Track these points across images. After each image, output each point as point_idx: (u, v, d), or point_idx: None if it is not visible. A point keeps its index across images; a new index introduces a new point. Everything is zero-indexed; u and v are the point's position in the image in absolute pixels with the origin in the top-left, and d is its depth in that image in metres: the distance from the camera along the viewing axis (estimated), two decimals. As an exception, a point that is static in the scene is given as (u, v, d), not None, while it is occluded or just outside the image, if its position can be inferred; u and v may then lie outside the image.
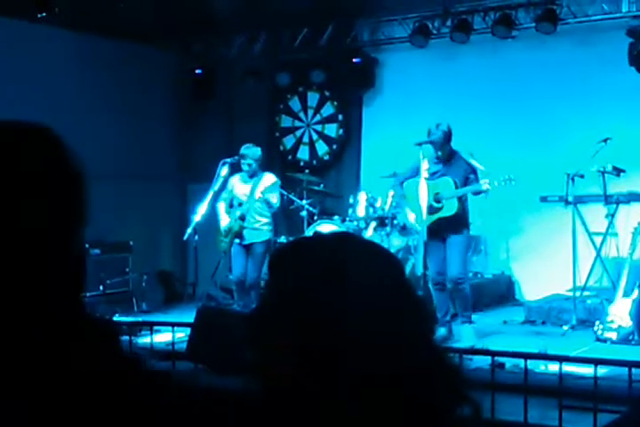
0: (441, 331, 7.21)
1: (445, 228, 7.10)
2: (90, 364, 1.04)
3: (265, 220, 8.06)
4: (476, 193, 7.13)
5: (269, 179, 8.06)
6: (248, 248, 7.99)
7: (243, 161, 8.00)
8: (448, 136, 7.08)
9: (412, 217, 7.35)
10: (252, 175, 8.02)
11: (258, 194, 7.86)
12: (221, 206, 8.18)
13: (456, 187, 7.06)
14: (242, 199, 8.01)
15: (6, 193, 1.07)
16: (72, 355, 1.03)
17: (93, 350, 1.06)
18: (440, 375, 1.17)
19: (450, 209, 7.06)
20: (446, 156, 7.14)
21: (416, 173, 7.11)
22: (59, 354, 1.02)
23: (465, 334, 7.26)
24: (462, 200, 7.13)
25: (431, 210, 7.08)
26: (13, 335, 1.02)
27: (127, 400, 1.04)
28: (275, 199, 7.98)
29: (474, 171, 7.13)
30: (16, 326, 1.03)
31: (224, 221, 8.10)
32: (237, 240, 7.99)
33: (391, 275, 1.21)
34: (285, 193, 8.28)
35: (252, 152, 7.99)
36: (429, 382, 1.16)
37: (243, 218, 7.96)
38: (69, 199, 1.15)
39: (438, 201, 7.10)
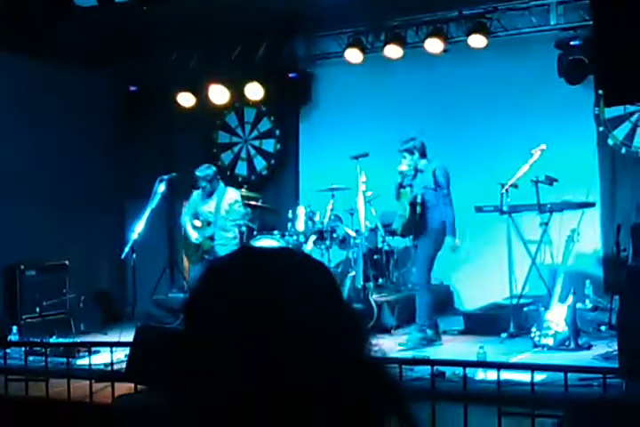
0: (428, 333, 7.53)
1: (412, 232, 7.65)
2: None
3: (230, 235, 8.43)
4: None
5: (232, 196, 8.34)
6: None
7: (198, 183, 8.37)
8: (415, 149, 7.59)
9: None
10: (209, 195, 8.24)
11: (223, 213, 8.25)
12: (187, 221, 8.41)
13: (413, 198, 7.48)
14: (208, 217, 8.22)
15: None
16: None
17: None
18: (375, 389, 1.16)
19: (404, 215, 7.52)
20: (413, 170, 7.60)
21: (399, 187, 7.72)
22: None
23: (412, 341, 7.38)
24: (414, 207, 7.45)
25: (402, 217, 7.64)
26: None
27: None
28: (241, 221, 8.42)
29: (438, 185, 7.51)
30: None
31: (193, 235, 8.39)
32: (207, 256, 8.30)
33: (324, 287, 1.21)
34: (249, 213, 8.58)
35: (204, 174, 8.34)
36: (364, 397, 1.14)
37: (212, 238, 8.24)
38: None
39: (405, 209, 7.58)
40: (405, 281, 9.24)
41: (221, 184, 8.46)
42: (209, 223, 8.31)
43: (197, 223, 8.39)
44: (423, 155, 7.66)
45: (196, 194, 8.47)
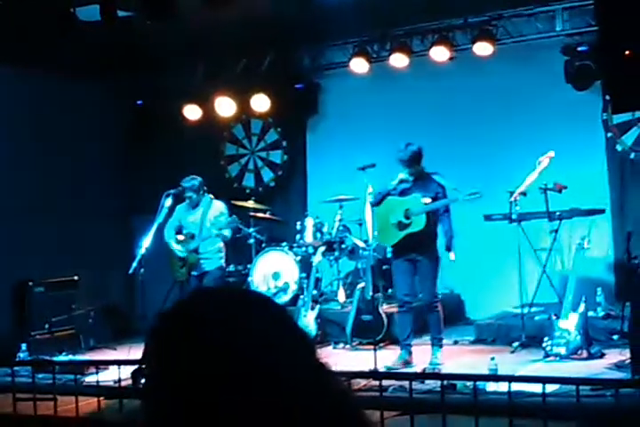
0: (402, 355, 7.28)
1: (414, 245, 7.12)
2: None
3: (215, 248, 8.24)
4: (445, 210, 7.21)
5: (218, 208, 8.21)
6: (202, 277, 8.22)
7: (184, 194, 8.21)
8: (416, 156, 7.19)
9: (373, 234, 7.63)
10: (194, 206, 8.14)
11: (208, 224, 8.07)
12: (170, 238, 8.38)
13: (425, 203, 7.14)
14: (191, 229, 8.14)
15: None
16: None
17: None
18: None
19: (418, 224, 7.09)
20: (417, 175, 7.21)
21: (387, 193, 7.27)
22: None
23: (435, 357, 7.24)
24: (430, 217, 7.13)
25: (400, 226, 7.18)
26: None
27: None
28: (227, 233, 8.15)
29: (443, 188, 7.20)
30: None
31: (177, 250, 8.29)
32: (194, 272, 8.21)
33: (280, 332, 1.18)
34: (237, 221, 8.29)
35: (190, 184, 8.20)
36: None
37: (197, 251, 8.15)
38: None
39: (408, 217, 7.15)
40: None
41: (207, 196, 8.35)
42: (192, 236, 8.21)
43: (180, 237, 8.29)
44: (420, 161, 7.29)
45: (179, 207, 8.38)
